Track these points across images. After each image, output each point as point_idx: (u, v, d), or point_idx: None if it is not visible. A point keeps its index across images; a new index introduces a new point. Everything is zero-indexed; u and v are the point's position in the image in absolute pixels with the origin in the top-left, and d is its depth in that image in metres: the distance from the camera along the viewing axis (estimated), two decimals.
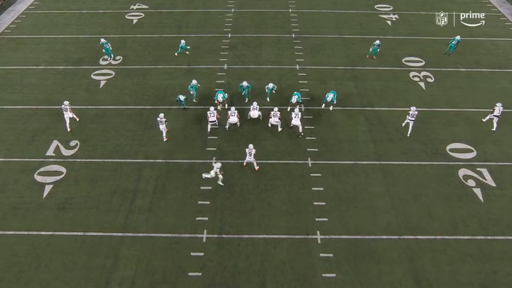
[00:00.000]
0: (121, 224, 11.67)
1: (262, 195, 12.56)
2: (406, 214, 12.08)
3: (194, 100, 16.10)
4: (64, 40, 20.22)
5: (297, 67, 18.32)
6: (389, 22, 22.10)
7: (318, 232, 11.51)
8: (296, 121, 14.14)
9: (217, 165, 12.39)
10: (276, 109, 14.32)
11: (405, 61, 18.95)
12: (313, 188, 12.73)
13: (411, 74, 18.11)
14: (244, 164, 13.23)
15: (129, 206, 12.16)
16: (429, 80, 17.75)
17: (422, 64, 18.72)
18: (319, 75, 17.71)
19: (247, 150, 12.82)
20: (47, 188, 12.68)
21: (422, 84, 17.50)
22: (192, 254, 10.92)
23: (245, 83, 15.74)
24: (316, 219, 11.85)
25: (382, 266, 10.75)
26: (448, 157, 14.01)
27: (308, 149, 14.08)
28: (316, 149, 14.09)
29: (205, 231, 11.49)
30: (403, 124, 14.91)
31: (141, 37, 20.50)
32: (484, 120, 15.35)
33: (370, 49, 18.61)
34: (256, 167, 13.06)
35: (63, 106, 14.56)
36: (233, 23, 21.67)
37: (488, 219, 11.98)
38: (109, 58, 18.64)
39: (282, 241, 11.26)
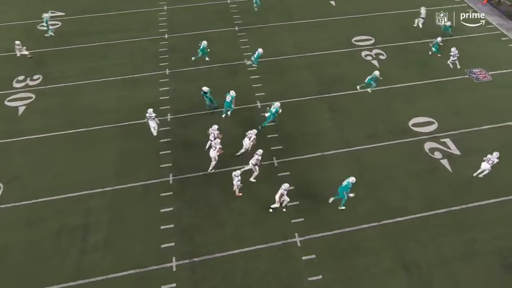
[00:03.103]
0: (72, 269, 10.87)
1: (231, 205, 12.50)
2: (383, 198, 12.76)
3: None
4: None
5: (247, 62, 18.47)
6: (333, 3, 23.19)
7: (296, 234, 11.71)
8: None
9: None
10: (261, 151, 12.66)
11: (354, 41, 20.01)
12: None
13: (363, 53, 19.18)
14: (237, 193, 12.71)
15: (80, 246, 11.38)
16: (381, 57, 18.93)
17: (372, 41, 19.92)
18: (271, 68, 18.03)
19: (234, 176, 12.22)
20: None
21: (375, 62, 18.61)
22: (162, 287, 10.51)
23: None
24: (292, 221, 12.06)
25: (368, 257, 11.24)
26: (412, 132, 15.05)
27: (271, 148, 14.27)
28: (281, 147, 14.33)
29: (173, 258, 11.13)
30: (449, 61, 17.81)
31: (62, 49, 19.33)
32: (451, 67, 17.91)
33: (433, 48, 18.79)
34: (238, 193, 12.68)
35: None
36: (168, 22, 21.29)
37: (459, 188, 13.08)
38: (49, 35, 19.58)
39: (261, 251, 11.30)
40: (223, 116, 15.48)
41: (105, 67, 18.14)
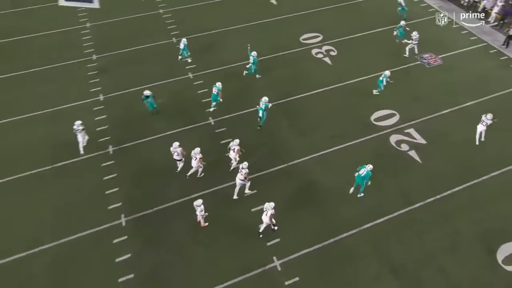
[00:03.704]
0: None
1: (197, 237, 12.05)
2: (358, 202, 13.05)
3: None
4: None
5: (191, 75, 18.22)
6: (273, 2, 23.80)
7: (274, 258, 11.55)
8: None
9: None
10: (246, 164, 12.65)
11: (303, 39, 20.60)
12: (252, 210, 12.75)
13: (313, 51, 19.79)
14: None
15: None
16: (332, 53, 19.65)
17: (321, 38, 20.64)
18: (219, 78, 17.80)
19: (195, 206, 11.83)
20: None
21: (327, 59, 19.27)
22: None
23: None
24: (268, 244, 11.89)
25: (353, 268, 11.37)
26: (376, 127, 15.68)
27: (232, 168, 14.08)
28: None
29: None
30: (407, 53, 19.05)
31: None
32: (406, 55, 19.25)
33: (397, 33, 19.59)
34: (203, 223, 12.31)
35: None
36: (95, 40, 20.42)
37: (431, 178, 13.78)
38: None
39: (238, 284, 10.94)
40: (212, 110, 16.06)
41: (25, 101, 16.81)
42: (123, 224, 12.41)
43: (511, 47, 20.16)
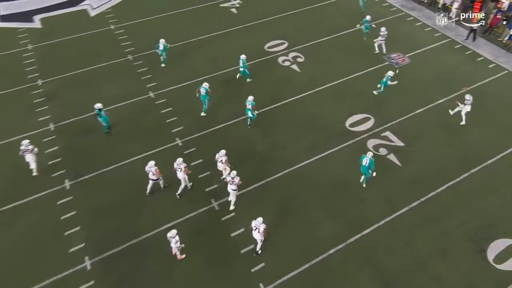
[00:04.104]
0: None
1: (175, 271, 11.57)
2: (342, 213, 13.08)
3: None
4: None
5: (152, 94, 17.78)
6: (233, 10, 23.92)
7: (261, 285, 11.28)
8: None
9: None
10: (234, 173, 12.68)
11: (267, 47, 20.75)
12: (232, 235, 12.46)
13: (280, 59, 19.96)
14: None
15: None
16: (299, 60, 19.91)
17: (286, 45, 20.88)
18: (183, 95, 17.56)
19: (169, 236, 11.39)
20: None
21: (295, 67, 19.48)
22: None
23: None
24: (252, 270, 11.61)
25: (345, 283, 11.33)
26: (352, 133, 15.91)
27: (206, 190, 13.79)
28: (216, 185, 13.90)
29: None
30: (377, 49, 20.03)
31: None
32: (376, 51, 20.14)
33: (362, 27, 20.82)
34: (180, 256, 11.90)
35: None
36: (39, 64, 19.56)
37: (413, 181, 14.08)
38: None
39: None
40: (202, 114, 16.67)
41: None
42: (88, 267, 11.66)
43: (478, 41, 21.33)
